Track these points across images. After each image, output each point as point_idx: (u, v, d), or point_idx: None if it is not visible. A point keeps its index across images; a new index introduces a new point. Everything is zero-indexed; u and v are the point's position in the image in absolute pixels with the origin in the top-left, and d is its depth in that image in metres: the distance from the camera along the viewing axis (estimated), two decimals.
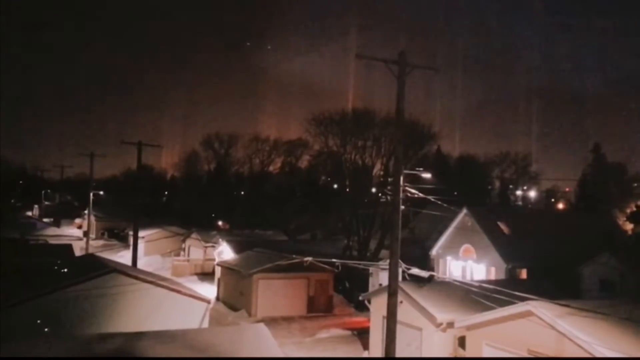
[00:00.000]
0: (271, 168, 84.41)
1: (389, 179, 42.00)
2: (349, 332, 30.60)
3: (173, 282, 28.06)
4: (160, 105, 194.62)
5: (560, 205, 77.45)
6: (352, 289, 37.33)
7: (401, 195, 18.36)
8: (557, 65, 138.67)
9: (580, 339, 15.74)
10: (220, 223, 67.91)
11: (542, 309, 17.29)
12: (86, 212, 56.99)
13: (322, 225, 60.68)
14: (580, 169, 75.09)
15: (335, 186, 64.00)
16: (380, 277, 35.33)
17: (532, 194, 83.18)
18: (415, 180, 22.53)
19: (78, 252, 43.22)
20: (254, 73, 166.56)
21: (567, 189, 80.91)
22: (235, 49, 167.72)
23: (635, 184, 72.29)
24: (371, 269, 36.13)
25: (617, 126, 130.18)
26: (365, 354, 25.70)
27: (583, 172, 73.81)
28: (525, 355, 17.64)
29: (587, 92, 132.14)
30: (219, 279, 39.58)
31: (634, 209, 68.36)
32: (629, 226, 62.09)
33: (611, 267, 30.46)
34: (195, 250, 51.52)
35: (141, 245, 43.71)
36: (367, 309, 26.41)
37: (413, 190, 20.18)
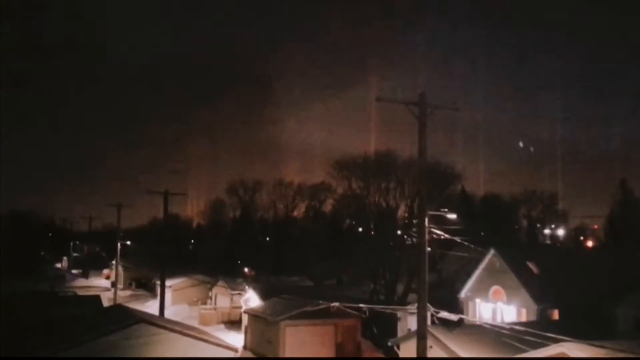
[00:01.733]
0: (295, 213, 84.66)
1: (414, 221, 41.81)
2: None
3: (200, 331, 28.11)
4: (185, 154, 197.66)
5: (590, 243, 76.01)
6: (380, 334, 36.77)
7: (427, 236, 18.29)
8: (582, 101, 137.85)
9: None
10: (246, 270, 67.91)
11: (576, 351, 16.91)
12: (114, 262, 57.67)
13: (347, 269, 60.28)
14: (609, 206, 73.92)
15: (360, 229, 63.87)
16: (408, 321, 34.79)
17: (561, 232, 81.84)
18: (440, 221, 22.43)
19: (106, 303, 43.56)
20: (276, 119, 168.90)
21: (595, 227, 79.51)
22: (257, 95, 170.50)
23: None
24: (399, 314, 35.65)
25: None
26: None
27: (611, 209, 72.63)
28: None
29: (613, 127, 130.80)
30: (246, 327, 39.31)
31: None
32: None
33: None
34: (222, 298, 51.31)
35: (168, 294, 43.88)
36: (396, 355, 26.02)
37: (439, 232, 20.10)
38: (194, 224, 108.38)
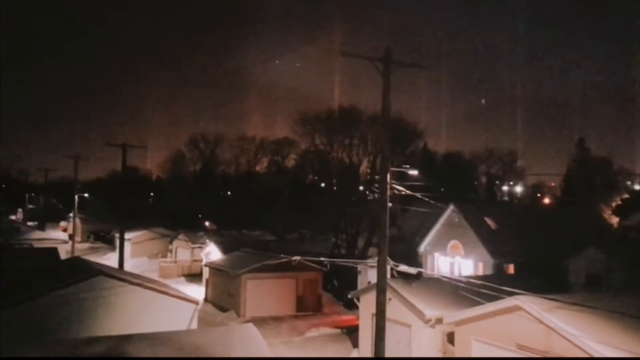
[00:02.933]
0: (258, 168, 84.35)
1: (376, 177, 42.05)
2: (338, 331, 30.53)
3: (160, 283, 27.82)
4: (145, 106, 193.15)
5: (546, 200, 77.96)
6: (340, 288, 37.30)
7: (388, 192, 18.31)
8: (542, 60, 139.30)
9: (568, 332, 15.78)
10: (207, 224, 67.63)
11: (529, 304, 17.32)
12: (71, 215, 56.52)
13: (310, 224, 60.63)
14: (566, 164, 75.73)
15: (323, 185, 64.06)
16: (368, 274, 35.34)
17: (518, 189, 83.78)
18: (402, 178, 22.53)
19: (64, 256, 42.76)
20: (240, 73, 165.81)
21: (552, 184, 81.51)
22: (221, 48, 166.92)
23: (620, 178, 72.94)
24: (360, 267, 36.12)
25: (602, 120, 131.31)
26: (355, 352, 25.67)
27: (568, 167, 74.37)
28: (514, 349, 17.67)
29: (571, 87, 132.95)
30: (206, 280, 39.36)
31: (619, 202, 69.01)
32: (614, 220, 62.59)
33: (598, 261, 30.67)
34: (182, 251, 51.16)
35: (127, 247, 43.45)
36: (356, 307, 26.38)
37: (400, 188, 20.15)
38: (154, 177, 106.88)
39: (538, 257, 33.05)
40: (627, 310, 16.75)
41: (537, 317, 16.86)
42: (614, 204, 68.25)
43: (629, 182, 75.94)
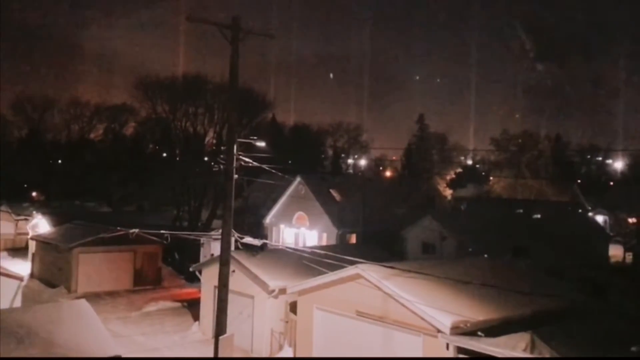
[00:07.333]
0: (92, 135, 78.94)
1: (222, 148, 41.15)
2: (178, 304, 29.89)
3: None
4: None
5: (388, 173, 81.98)
6: (182, 261, 36.36)
7: (235, 164, 17.78)
8: (388, 37, 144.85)
9: (404, 298, 16.46)
10: (34, 194, 62.37)
11: (369, 272, 17.82)
12: None
13: (150, 195, 58.15)
14: (407, 139, 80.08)
15: (165, 155, 61.64)
16: (212, 247, 34.84)
17: (363, 162, 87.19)
18: (249, 149, 22.04)
19: None
20: (73, 30, 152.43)
21: (394, 158, 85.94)
22: (51, 3, 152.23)
23: (455, 153, 78.86)
24: (203, 240, 35.46)
25: (440, 98, 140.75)
26: (196, 325, 25.09)
27: (409, 142, 78.78)
28: (354, 316, 18.12)
29: (415, 64, 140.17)
30: (33, 254, 36.86)
31: (453, 176, 74.83)
32: (448, 192, 67.66)
33: (432, 230, 32.75)
34: (5, 224, 47.59)
35: None
36: (198, 280, 25.85)
37: (247, 159, 19.67)
38: None
39: (379, 226, 34.55)
40: (456, 276, 17.91)
41: (376, 284, 17.39)
42: (448, 178, 73.80)
43: (462, 157, 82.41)
